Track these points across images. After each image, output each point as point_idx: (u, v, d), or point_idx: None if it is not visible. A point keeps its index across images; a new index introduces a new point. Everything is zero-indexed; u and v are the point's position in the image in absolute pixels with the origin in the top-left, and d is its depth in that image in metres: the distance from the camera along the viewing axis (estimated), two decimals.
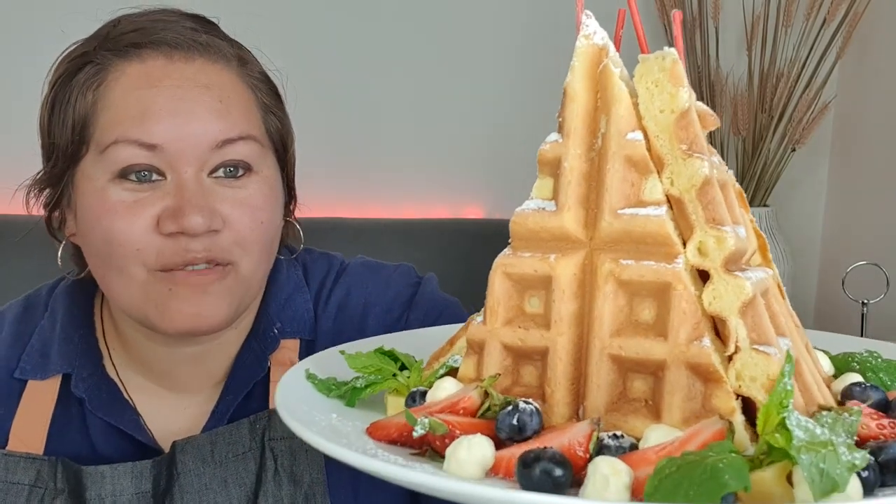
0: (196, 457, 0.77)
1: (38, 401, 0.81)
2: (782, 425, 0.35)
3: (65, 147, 0.75)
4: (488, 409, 0.42)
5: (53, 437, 0.80)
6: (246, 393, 0.81)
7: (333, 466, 0.77)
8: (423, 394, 0.46)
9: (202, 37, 0.77)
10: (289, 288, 0.85)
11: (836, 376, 0.47)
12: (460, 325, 0.51)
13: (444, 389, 0.43)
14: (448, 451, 0.39)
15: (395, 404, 0.47)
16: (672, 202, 0.40)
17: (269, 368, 0.82)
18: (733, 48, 1.90)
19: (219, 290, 0.75)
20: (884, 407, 0.43)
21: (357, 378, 0.49)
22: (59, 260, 0.82)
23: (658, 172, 0.40)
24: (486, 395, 0.42)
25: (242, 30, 0.83)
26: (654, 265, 0.38)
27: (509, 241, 0.43)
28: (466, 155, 2.01)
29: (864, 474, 0.36)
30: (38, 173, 0.80)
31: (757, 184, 1.77)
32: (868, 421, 0.39)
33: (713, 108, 1.77)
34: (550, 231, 0.41)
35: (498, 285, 0.42)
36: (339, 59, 1.94)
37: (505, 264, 0.41)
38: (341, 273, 0.89)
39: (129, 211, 0.73)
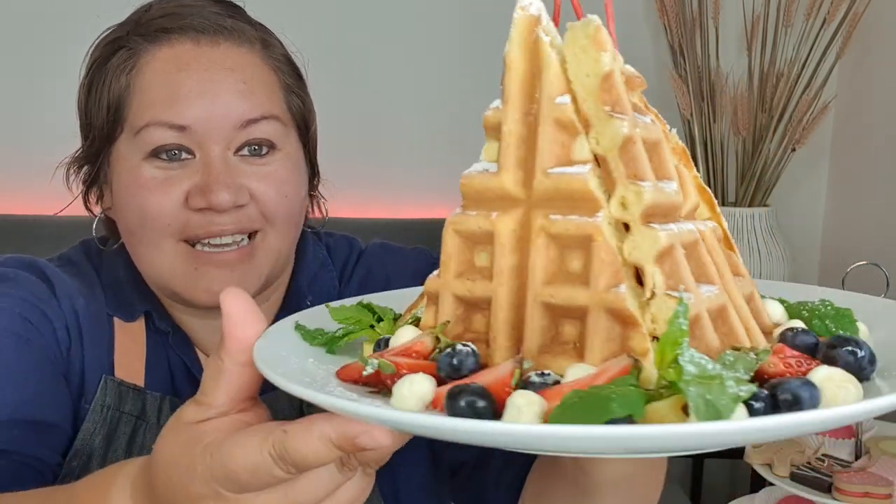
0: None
1: (132, 337, 0.85)
2: (676, 361, 0.38)
3: (101, 128, 0.80)
4: (437, 352, 0.46)
5: (149, 370, 0.84)
6: None
7: None
8: (387, 341, 0.50)
9: (227, 21, 0.81)
10: (315, 265, 0.90)
11: None
12: None
13: (403, 336, 0.48)
14: (394, 388, 0.44)
15: (369, 351, 0.51)
16: (599, 161, 0.43)
17: None
18: (733, 48, 1.90)
19: (246, 268, 0.80)
20: (812, 350, 0.46)
21: (339, 329, 0.53)
22: (94, 232, 0.88)
23: (586, 133, 0.43)
24: (439, 340, 0.47)
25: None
26: (578, 219, 0.41)
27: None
28: (467, 155, 2.00)
29: (756, 405, 0.39)
30: (77, 151, 0.84)
31: (757, 184, 1.77)
32: (776, 360, 0.43)
33: (713, 107, 1.78)
34: (493, 191, 0.45)
35: (449, 241, 0.46)
36: (340, 58, 1.94)
37: (454, 222, 0.46)
38: (362, 254, 0.94)
39: (160, 187, 0.77)
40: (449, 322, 0.47)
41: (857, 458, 1.19)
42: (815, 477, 1.11)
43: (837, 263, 1.95)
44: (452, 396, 0.42)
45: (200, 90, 0.77)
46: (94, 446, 0.81)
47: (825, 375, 0.42)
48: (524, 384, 0.42)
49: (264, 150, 0.80)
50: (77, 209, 0.90)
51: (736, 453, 1.31)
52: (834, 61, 1.77)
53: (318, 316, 0.56)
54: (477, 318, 0.46)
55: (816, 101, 1.77)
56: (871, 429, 1.22)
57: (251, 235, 0.80)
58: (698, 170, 1.87)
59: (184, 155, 0.78)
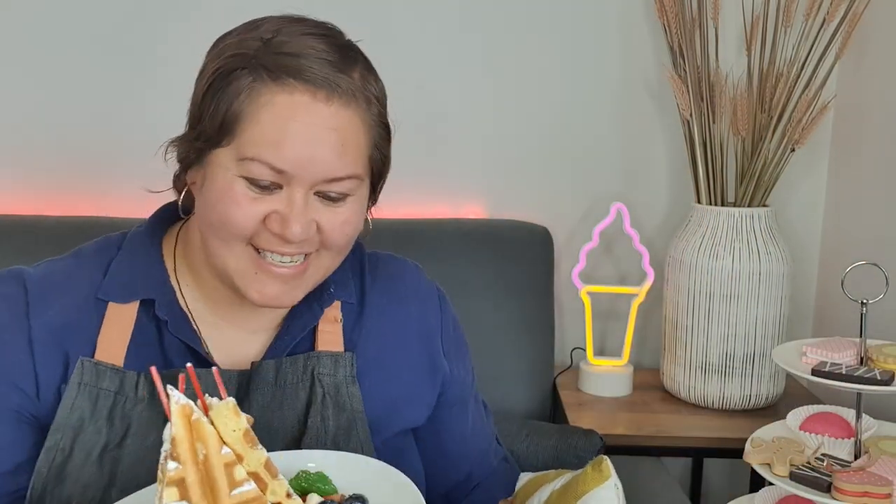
0: (264, 379, 0.98)
1: (119, 321, 0.97)
2: None
3: (210, 132, 0.92)
4: None
5: (132, 353, 0.97)
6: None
7: (370, 406, 1.01)
8: None
9: (342, 79, 0.92)
10: None
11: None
12: None
13: None
14: None
15: None
16: (251, 475, 0.71)
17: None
18: (733, 48, 1.90)
19: (296, 282, 0.96)
20: None
21: None
22: (179, 201, 1.03)
23: (241, 463, 0.71)
24: None
25: None
26: None
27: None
28: (466, 155, 2.01)
29: None
30: (183, 135, 0.97)
31: (756, 184, 1.77)
32: None
33: (712, 107, 1.79)
34: None
35: None
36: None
37: None
38: (375, 259, 1.13)
39: (246, 204, 0.91)
40: None
41: (857, 457, 1.19)
42: (815, 477, 1.11)
43: (837, 263, 1.95)
44: None
45: (303, 142, 0.90)
46: (74, 420, 0.93)
47: None
48: None
49: (339, 197, 0.94)
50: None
51: (735, 453, 1.31)
52: (833, 61, 1.78)
53: None
54: None
55: (816, 101, 1.77)
56: (871, 428, 1.22)
57: (307, 255, 0.95)
58: (698, 170, 1.87)
59: (273, 188, 0.91)
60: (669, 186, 2.04)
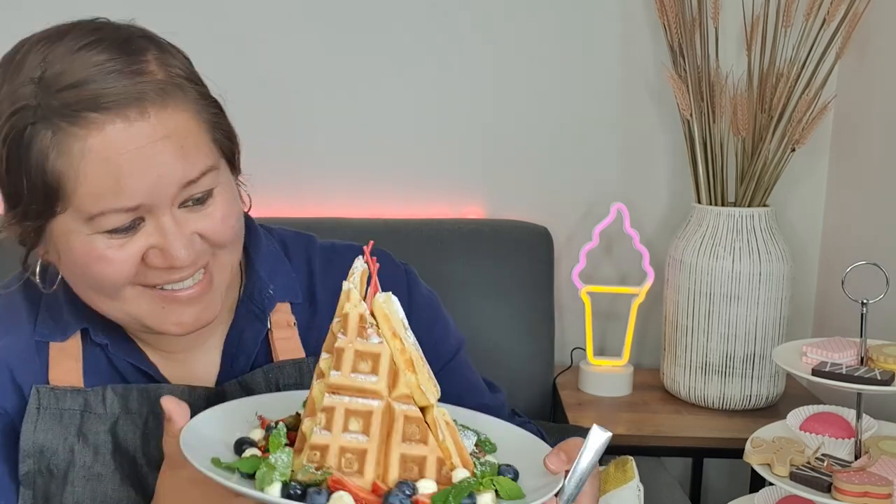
0: (230, 397, 0.89)
1: (66, 354, 0.91)
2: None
3: (37, 205, 0.80)
4: None
5: (87, 377, 0.91)
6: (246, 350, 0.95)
7: None
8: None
9: (142, 85, 0.79)
10: (272, 259, 0.99)
11: None
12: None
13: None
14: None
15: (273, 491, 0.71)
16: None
17: (269, 328, 0.96)
18: (733, 48, 1.90)
19: (209, 296, 0.87)
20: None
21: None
22: (34, 274, 0.91)
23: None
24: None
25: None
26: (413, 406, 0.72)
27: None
28: (466, 155, 2.01)
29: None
30: (8, 216, 0.84)
31: (757, 184, 1.77)
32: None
33: (712, 107, 1.79)
34: (370, 391, 0.70)
35: (337, 418, 0.69)
36: (340, 56, 1.94)
37: (344, 403, 0.70)
38: (330, 252, 1.03)
39: (117, 255, 0.81)
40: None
41: (857, 457, 1.19)
42: (815, 477, 1.11)
43: (837, 263, 1.95)
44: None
45: (142, 169, 0.78)
46: (40, 444, 0.88)
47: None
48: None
49: (205, 197, 0.84)
50: None
51: (735, 453, 1.31)
52: (833, 61, 1.78)
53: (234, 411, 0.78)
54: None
55: (816, 101, 1.77)
56: (871, 428, 1.23)
57: (205, 267, 0.86)
58: (698, 170, 1.86)
59: (137, 223, 0.81)
60: (669, 186, 2.04)
